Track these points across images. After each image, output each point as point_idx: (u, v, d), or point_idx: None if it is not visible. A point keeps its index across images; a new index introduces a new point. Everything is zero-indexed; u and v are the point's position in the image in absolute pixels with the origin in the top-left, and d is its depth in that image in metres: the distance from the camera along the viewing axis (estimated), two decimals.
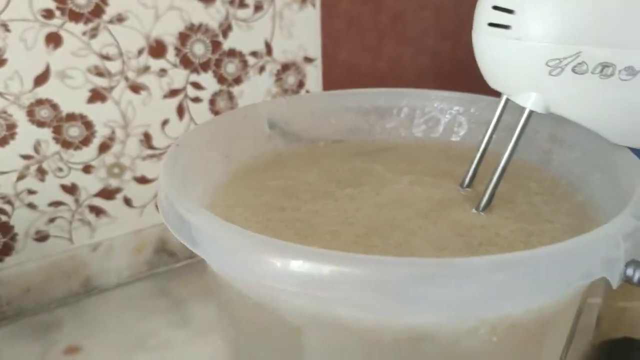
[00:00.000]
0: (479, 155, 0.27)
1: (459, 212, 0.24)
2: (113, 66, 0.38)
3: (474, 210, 0.24)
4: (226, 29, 0.42)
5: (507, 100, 0.26)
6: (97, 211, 0.41)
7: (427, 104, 0.32)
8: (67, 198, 0.39)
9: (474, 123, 0.31)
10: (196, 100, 0.42)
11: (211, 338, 0.37)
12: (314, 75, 0.47)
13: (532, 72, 0.23)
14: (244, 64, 0.43)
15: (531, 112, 0.24)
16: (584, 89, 0.23)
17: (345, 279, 0.17)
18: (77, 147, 0.39)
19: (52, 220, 0.39)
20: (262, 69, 0.44)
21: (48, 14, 0.35)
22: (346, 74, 0.49)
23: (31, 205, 0.38)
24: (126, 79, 0.39)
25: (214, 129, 0.27)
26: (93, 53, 0.37)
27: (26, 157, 0.37)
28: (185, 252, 0.45)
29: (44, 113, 0.37)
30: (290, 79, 0.46)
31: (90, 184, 0.40)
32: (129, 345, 0.37)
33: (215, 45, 0.42)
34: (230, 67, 0.43)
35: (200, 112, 0.43)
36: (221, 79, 0.43)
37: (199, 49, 0.41)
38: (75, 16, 0.36)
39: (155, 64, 0.40)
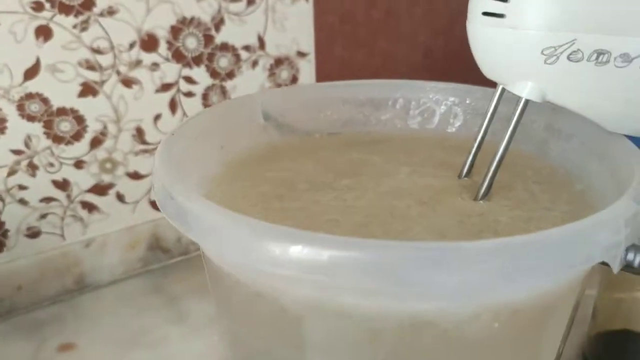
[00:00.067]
0: (476, 145, 0.27)
1: (458, 201, 0.24)
2: (104, 60, 0.38)
3: (472, 199, 0.24)
4: (218, 23, 0.41)
5: (503, 90, 0.26)
6: (89, 207, 0.40)
7: (422, 95, 0.32)
8: (58, 194, 0.39)
9: (470, 114, 0.31)
10: (189, 94, 0.42)
11: (206, 334, 0.37)
12: (307, 70, 0.47)
13: (528, 61, 0.23)
14: (237, 58, 0.43)
15: (527, 102, 0.24)
16: (580, 76, 0.23)
17: (347, 264, 0.16)
18: (68, 142, 0.38)
19: (43, 216, 0.39)
20: (255, 64, 0.44)
21: (37, 6, 0.35)
22: (340, 69, 0.48)
23: (22, 201, 0.38)
24: (118, 72, 0.39)
25: (209, 119, 0.27)
26: (84, 46, 0.37)
27: (17, 152, 0.37)
28: (179, 248, 0.45)
29: (34, 107, 0.36)
30: (284, 74, 0.45)
31: (82, 180, 0.39)
32: (124, 342, 0.36)
33: (208, 39, 0.41)
34: (223, 62, 0.42)
35: (192, 106, 0.42)
36: (214, 74, 0.42)
37: (191, 43, 0.41)
38: (65, 9, 0.36)
39: (147, 57, 0.39)
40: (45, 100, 0.37)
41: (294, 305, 0.19)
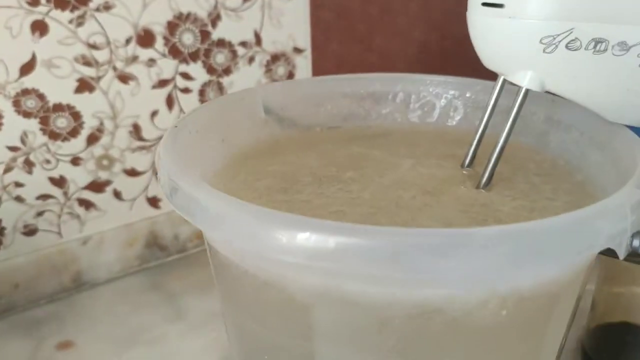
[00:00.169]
0: (477, 136, 0.27)
1: (462, 190, 0.24)
2: (100, 55, 0.38)
3: (475, 189, 0.24)
4: (215, 19, 0.41)
5: (504, 82, 0.27)
6: (86, 204, 0.40)
7: (423, 89, 0.32)
8: (55, 191, 0.38)
9: (470, 107, 0.31)
10: (185, 90, 0.42)
11: (205, 331, 0.37)
12: (303, 66, 0.46)
13: (527, 50, 0.23)
14: (234, 54, 0.43)
15: (527, 91, 0.24)
16: (578, 65, 0.23)
17: (354, 251, 0.16)
18: (65, 139, 0.38)
19: (40, 213, 0.38)
20: (251, 60, 0.44)
21: (33, 1, 0.34)
22: (336, 65, 0.49)
23: (19, 199, 0.37)
24: (114, 68, 0.38)
25: (211, 113, 0.27)
26: (80, 42, 0.37)
27: (13, 148, 0.36)
28: (176, 246, 0.45)
29: (30, 103, 0.36)
30: (280, 70, 0.45)
31: (79, 177, 0.39)
32: (123, 339, 0.36)
33: (204, 35, 0.41)
34: (220, 58, 0.42)
35: (189, 102, 0.42)
36: (210, 70, 0.42)
37: (188, 39, 0.41)
38: (61, 3, 0.35)
39: (144, 53, 0.39)
40: (41, 96, 0.36)
41: (302, 293, 0.19)
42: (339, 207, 0.22)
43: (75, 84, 0.37)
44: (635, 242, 0.19)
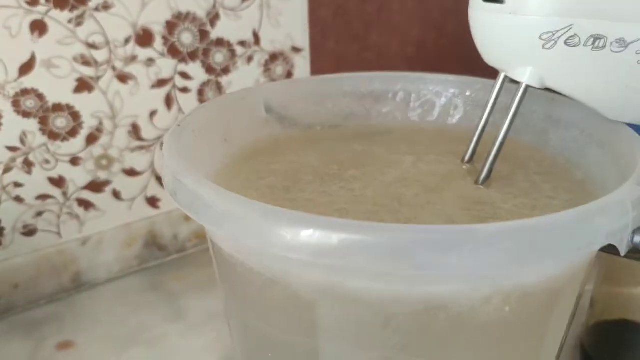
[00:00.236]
0: (478, 131, 0.27)
1: (464, 188, 0.24)
2: (100, 55, 0.38)
3: (474, 184, 0.24)
4: (214, 18, 0.41)
5: (504, 80, 0.27)
6: (85, 204, 0.40)
7: (423, 88, 0.32)
8: (54, 191, 0.38)
9: (470, 106, 0.31)
10: (184, 90, 0.42)
11: (205, 331, 0.37)
12: (302, 66, 0.47)
13: (527, 46, 0.23)
14: (232, 53, 0.43)
15: (527, 87, 0.24)
16: (577, 61, 0.23)
17: (359, 247, 0.17)
18: (64, 139, 0.38)
19: (39, 214, 0.38)
20: (250, 59, 0.44)
21: (33, 1, 0.34)
22: (334, 64, 0.49)
23: (18, 199, 0.37)
24: (113, 68, 0.38)
25: (212, 112, 0.27)
26: (79, 41, 0.37)
27: (12, 148, 0.36)
28: (175, 245, 0.45)
29: (29, 103, 0.36)
30: (279, 69, 0.45)
31: (78, 177, 0.39)
32: (123, 339, 0.36)
33: (203, 34, 0.41)
34: (219, 57, 0.42)
35: (188, 102, 0.42)
36: (209, 69, 0.42)
37: (186, 38, 0.41)
38: (60, 3, 0.35)
39: (143, 53, 0.39)
40: (40, 96, 0.36)
41: (306, 290, 0.19)
42: (342, 205, 0.22)
43: (74, 84, 0.37)
44: (637, 239, 0.19)
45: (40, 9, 0.35)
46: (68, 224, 0.39)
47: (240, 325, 0.23)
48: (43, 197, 0.38)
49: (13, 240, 0.38)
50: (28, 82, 0.35)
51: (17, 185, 0.37)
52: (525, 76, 0.24)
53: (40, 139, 0.37)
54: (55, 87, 0.36)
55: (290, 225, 0.17)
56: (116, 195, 0.41)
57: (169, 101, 0.41)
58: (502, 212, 0.23)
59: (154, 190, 0.43)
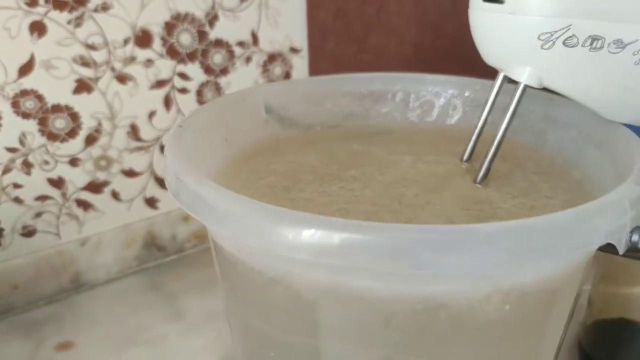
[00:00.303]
0: (477, 130, 0.27)
1: (463, 188, 0.24)
2: (99, 56, 0.38)
3: (475, 184, 0.24)
4: (212, 19, 0.41)
5: (503, 80, 0.27)
6: (84, 205, 0.40)
7: (422, 88, 0.32)
8: (53, 192, 0.38)
9: (469, 106, 0.32)
10: (183, 91, 0.42)
11: (205, 331, 0.37)
12: (300, 66, 0.47)
13: (526, 46, 0.23)
14: (231, 54, 0.43)
15: (526, 87, 0.24)
16: (575, 62, 0.23)
17: (360, 247, 0.17)
18: (63, 140, 0.38)
19: (39, 214, 0.38)
20: (248, 60, 0.44)
21: (32, 2, 0.34)
22: (332, 65, 0.49)
23: (17, 200, 0.37)
24: (112, 69, 0.38)
25: (213, 113, 0.27)
26: (78, 42, 0.37)
27: (11, 149, 0.36)
28: (174, 246, 0.45)
29: (29, 104, 0.36)
30: (277, 70, 0.46)
31: (77, 178, 0.39)
32: (123, 339, 0.36)
33: (202, 35, 0.41)
34: (217, 58, 0.42)
35: (187, 103, 0.42)
36: (208, 70, 0.42)
37: (185, 39, 0.41)
38: (59, 4, 0.35)
39: (142, 54, 0.39)
40: (40, 97, 0.36)
41: (308, 290, 0.19)
42: (342, 205, 0.22)
43: (73, 85, 0.37)
44: (635, 237, 0.20)
45: (40, 10, 0.35)
46: (67, 224, 0.39)
47: (241, 325, 0.23)
48: (42, 198, 0.38)
49: (12, 241, 0.38)
50: (27, 83, 0.36)
51: (17, 186, 0.37)
52: (524, 76, 0.24)
53: (40, 139, 0.37)
54: (55, 88, 0.37)
55: (292, 225, 0.17)
56: (115, 196, 0.41)
57: (167, 102, 0.41)
58: (501, 211, 0.23)
59: (152, 191, 0.43)
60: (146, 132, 0.41)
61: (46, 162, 0.38)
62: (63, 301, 0.39)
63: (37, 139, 0.37)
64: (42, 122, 0.37)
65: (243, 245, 0.20)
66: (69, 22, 0.36)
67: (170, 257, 0.45)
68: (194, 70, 0.42)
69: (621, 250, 0.19)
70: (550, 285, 0.20)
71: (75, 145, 0.38)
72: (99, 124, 0.39)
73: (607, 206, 0.19)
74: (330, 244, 0.17)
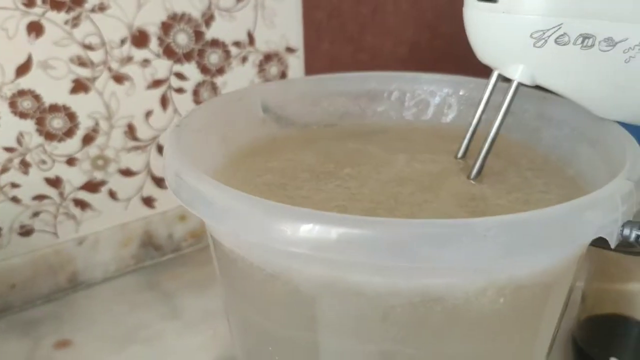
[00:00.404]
0: (472, 128, 0.27)
1: (458, 185, 0.24)
2: (96, 56, 0.38)
3: (470, 181, 0.25)
4: (209, 19, 0.42)
5: (497, 78, 0.27)
6: (82, 205, 0.40)
7: (417, 87, 0.32)
8: (51, 191, 0.38)
9: (464, 105, 0.32)
10: (180, 91, 0.42)
11: (202, 329, 0.37)
12: (296, 66, 0.47)
13: (518, 44, 0.24)
14: (227, 54, 0.43)
15: (519, 84, 0.25)
16: (567, 60, 0.24)
17: (358, 241, 0.17)
18: (60, 139, 0.38)
19: (36, 214, 0.38)
20: (244, 60, 0.44)
21: (29, 2, 0.35)
22: (328, 64, 0.49)
23: (15, 199, 0.37)
24: (109, 69, 0.38)
25: (211, 112, 0.27)
26: (75, 43, 0.37)
27: (9, 149, 0.36)
28: (171, 245, 0.45)
29: (26, 104, 0.36)
30: (273, 70, 0.46)
31: (74, 177, 0.39)
32: (120, 338, 0.36)
33: (198, 35, 0.41)
34: (214, 58, 0.43)
35: (183, 103, 0.42)
36: (204, 70, 0.43)
37: (182, 39, 0.41)
38: (56, 5, 0.35)
39: (139, 54, 0.39)
40: (37, 97, 0.36)
41: (306, 285, 0.19)
42: (340, 203, 0.23)
43: (70, 85, 0.37)
44: (626, 231, 0.20)
45: (37, 10, 0.35)
46: (64, 224, 0.40)
47: (240, 321, 0.24)
48: (40, 197, 0.38)
49: (10, 240, 0.38)
50: (25, 83, 0.36)
51: (14, 185, 0.37)
52: (517, 74, 0.24)
53: (37, 139, 0.37)
54: (52, 88, 0.37)
55: (291, 220, 0.17)
56: (112, 195, 0.41)
57: (164, 101, 0.41)
58: (497, 207, 0.23)
59: (149, 190, 0.43)
60: (143, 132, 0.41)
61: (43, 162, 0.38)
62: (61, 300, 0.39)
63: (34, 139, 0.37)
64: (40, 122, 0.37)
65: (242, 241, 0.20)
66: (66, 22, 0.36)
67: (167, 256, 0.45)
68: (191, 70, 0.42)
69: (613, 244, 0.20)
70: (545, 279, 0.21)
71: (72, 145, 0.38)
72: (96, 124, 0.39)
73: (599, 201, 0.19)
74: (329, 239, 0.17)
